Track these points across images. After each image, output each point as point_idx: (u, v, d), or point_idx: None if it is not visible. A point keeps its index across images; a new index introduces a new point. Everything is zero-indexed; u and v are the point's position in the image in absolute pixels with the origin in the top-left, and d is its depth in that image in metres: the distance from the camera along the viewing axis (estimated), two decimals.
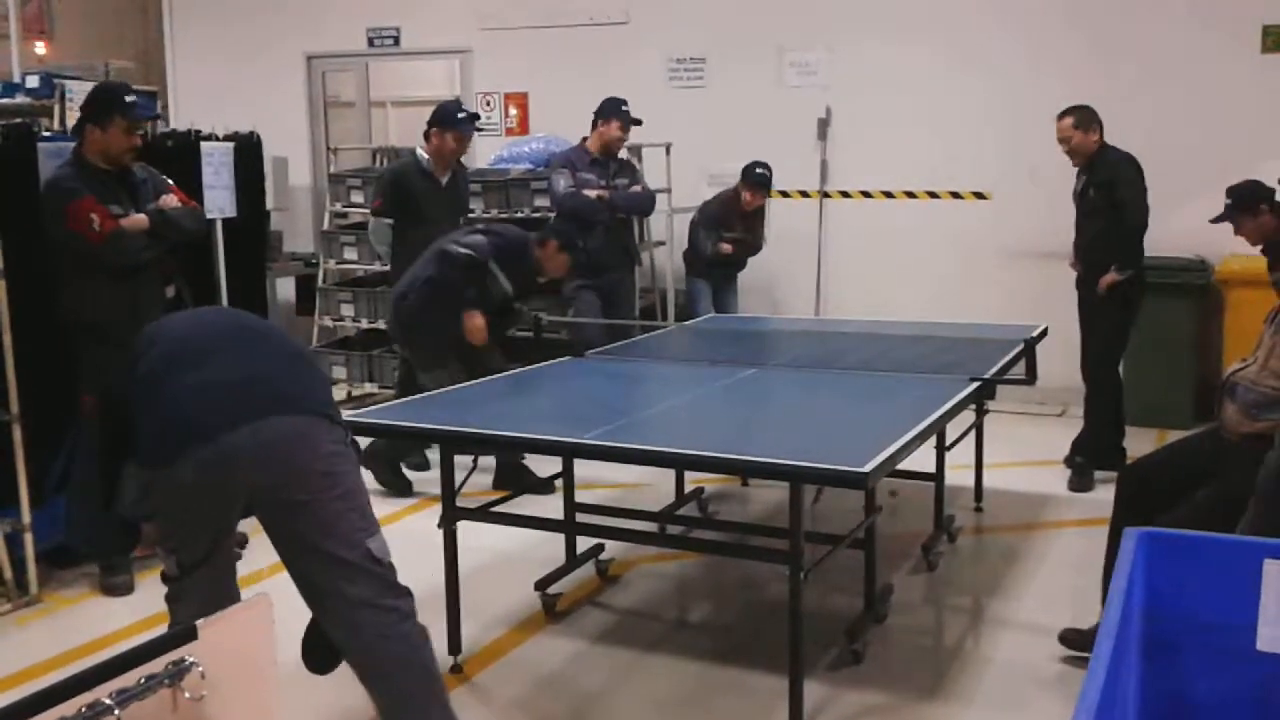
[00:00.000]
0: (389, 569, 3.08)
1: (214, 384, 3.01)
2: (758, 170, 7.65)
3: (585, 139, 7.17)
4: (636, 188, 7.28)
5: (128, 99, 4.93)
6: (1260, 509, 3.28)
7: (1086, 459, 6.41)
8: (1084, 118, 6.28)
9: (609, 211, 6.94)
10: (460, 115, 6.65)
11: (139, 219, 4.92)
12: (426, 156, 6.64)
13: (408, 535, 5.36)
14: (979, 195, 8.42)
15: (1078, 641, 4.11)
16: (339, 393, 7.49)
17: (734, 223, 7.68)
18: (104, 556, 4.83)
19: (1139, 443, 6.43)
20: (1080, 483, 6.31)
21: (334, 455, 3.05)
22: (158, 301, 5.07)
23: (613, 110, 7.06)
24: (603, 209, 6.95)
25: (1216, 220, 5.91)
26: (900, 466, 3.73)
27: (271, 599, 2.23)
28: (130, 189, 5.02)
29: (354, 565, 3.01)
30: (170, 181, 5.21)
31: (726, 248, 7.58)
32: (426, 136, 6.63)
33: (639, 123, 7.10)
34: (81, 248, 4.81)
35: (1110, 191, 6.21)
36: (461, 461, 4.20)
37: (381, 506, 5.82)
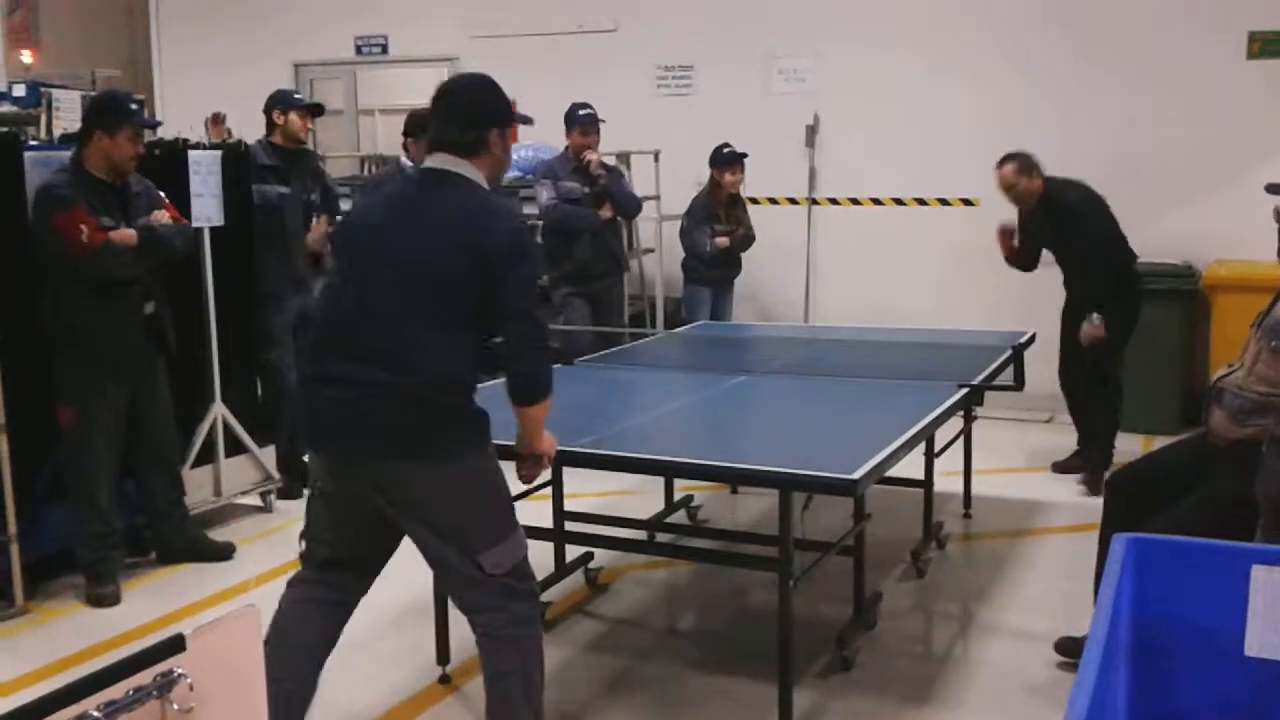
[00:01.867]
0: (504, 576, 3.17)
1: (316, 400, 3.24)
2: (725, 150, 7.65)
3: (567, 147, 7.17)
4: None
5: (133, 106, 4.95)
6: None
7: (1098, 463, 6.40)
8: (1024, 164, 6.31)
9: (596, 215, 6.95)
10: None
11: (128, 234, 4.91)
12: (410, 164, 6.63)
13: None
14: (967, 202, 8.44)
15: (1073, 649, 4.11)
16: None
17: (720, 213, 7.68)
18: None
19: (1127, 448, 6.46)
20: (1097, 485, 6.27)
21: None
22: (136, 317, 5.06)
23: (570, 120, 7.08)
24: (588, 218, 6.96)
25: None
26: (889, 473, 3.73)
27: (259, 610, 2.22)
28: (124, 201, 5.01)
29: (464, 574, 3.17)
30: (165, 197, 5.20)
31: (724, 240, 7.58)
32: (405, 147, 6.63)
33: (600, 120, 7.07)
34: (66, 257, 4.80)
35: (1071, 232, 6.24)
36: None
37: None
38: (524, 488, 3.60)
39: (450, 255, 3.04)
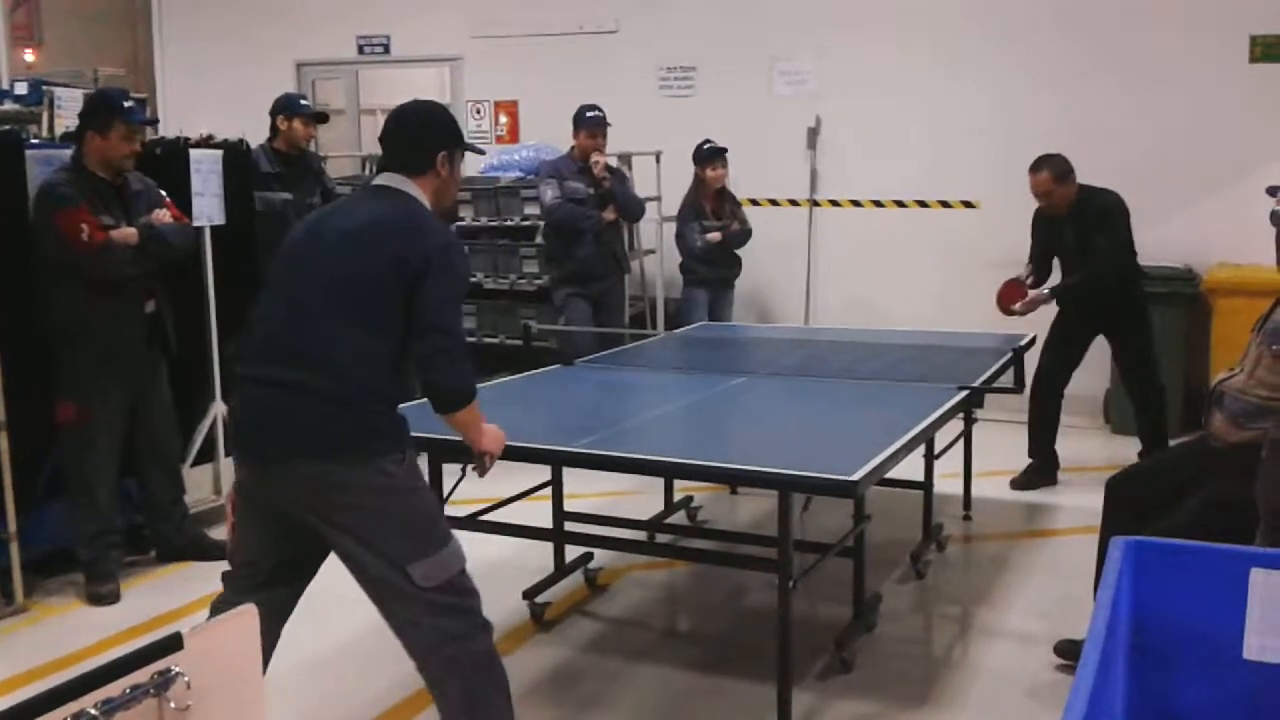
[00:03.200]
0: (436, 591, 3.11)
1: (243, 406, 3.27)
2: (705, 145, 7.65)
3: (573, 147, 7.18)
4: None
5: (127, 104, 4.95)
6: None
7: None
8: (1059, 170, 6.21)
9: (600, 216, 6.96)
10: None
11: (129, 232, 4.91)
12: None
13: None
14: (968, 204, 8.44)
15: (1073, 651, 4.10)
16: None
17: (708, 208, 7.68)
18: None
19: (1126, 451, 6.46)
20: None
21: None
22: (137, 315, 5.07)
23: (578, 121, 7.10)
24: (591, 219, 6.97)
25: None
26: (889, 475, 3.73)
27: (256, 609, 2.22)
28: (125, 200, 5.01)
29: (393, 588, 3.10)
30: (166, 196, 5.21)
31: (714, 235, 7.57)
32: None
33: (608, 123, 7.09)
34: (67, 255, 4.80)
35: (1098, 234, 6.21)
36: (450, 470, 4.19)
37: None
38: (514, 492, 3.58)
39: (376, 262, 3.07)
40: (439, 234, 3.18)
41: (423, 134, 3.27)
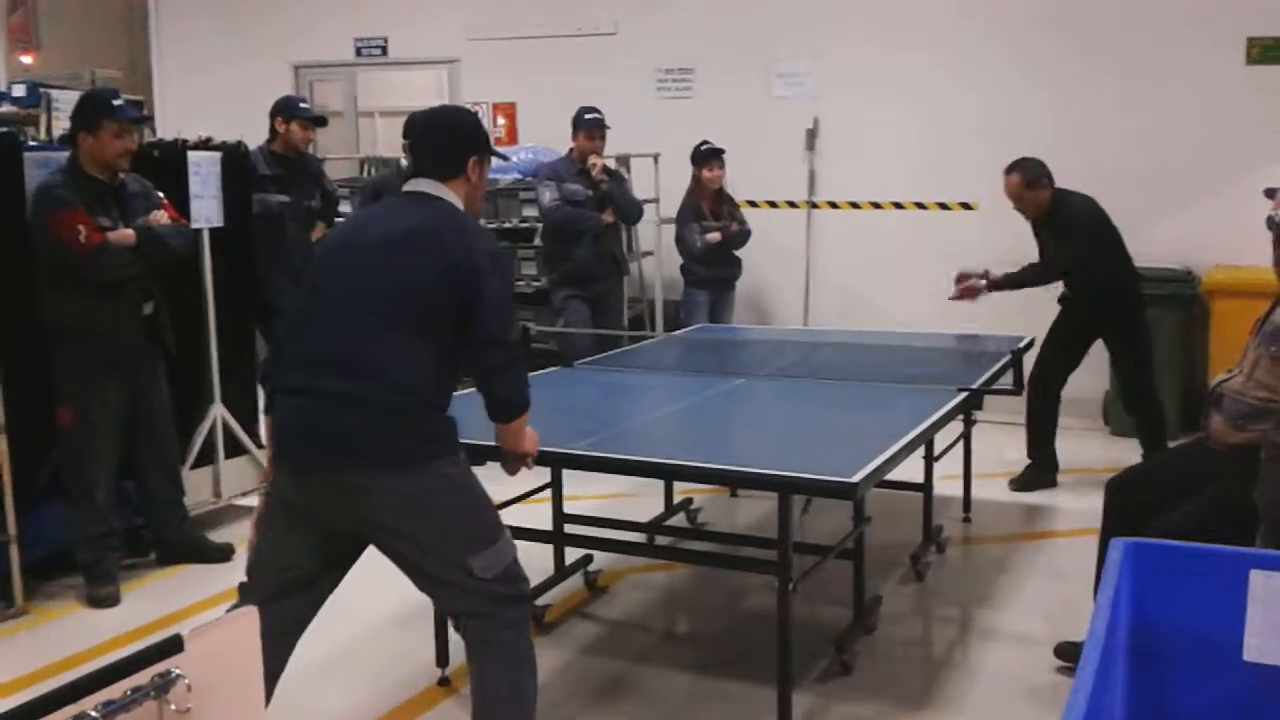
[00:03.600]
0: (495, 581, 3.17)
1: (286, 414, 3.20)
2: (702, 146, 7.68)
3: (571, 149, 7.18)
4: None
5: (115, 103, 4.93)
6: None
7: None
8: (1030, 174, 6.22)
9: (598, 218, 6.97)
10: None
11: (126, 234, 4.91)
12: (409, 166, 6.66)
13: None
14: (966, 206, 8.45)
15: (1073, 653, 4.10)
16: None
17: (706, 208, 7.69)
18: None
19: (1126, 453, 6.46)
20: None
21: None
22: (135, 317, 5.07)
23: (577, 124, 7.11)
24: (590, 221, 6.97)
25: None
26: (889, 477, 3.73)
27: (258, 612, 2.22)
28: (121, 201, 5.01)
29: (454, 582, 3.16)
30: (163, 197, 5.20)
31: (714, 236, 7.59)
32: (405, 149, 6.68)
33: (606, 126, 7.10)
34: (64, 257, 4.80)
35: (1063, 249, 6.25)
36: None
37: None
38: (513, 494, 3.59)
39: (426, 269, 3.07)
40: (486, 239, 3.22)
41: (454, 139, 3.28)
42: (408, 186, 3.29)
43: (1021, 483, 6.51)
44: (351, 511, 3.11)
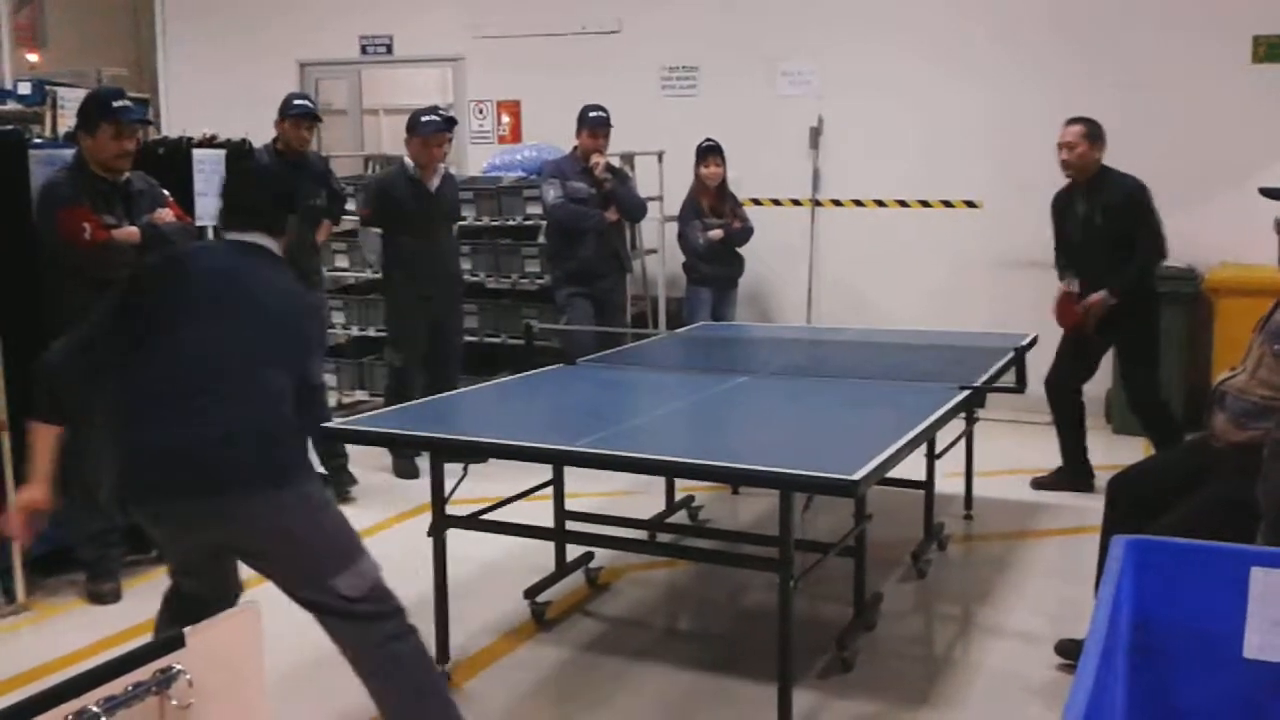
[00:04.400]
0: (363, 600, 3.18)
1: (151, 449, 3.17)
2: (702, 144, 7.71)
3: (575, 147, 7.18)
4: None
5: (115, 104, 4.92)
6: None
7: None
8: (1095, 130, 6.12)
9: (602, 216, 6.97)
10: (423, 119, 6.67)
11: (130, 231, 4.92)
12: (413, 164, 6.68)
13: (397, 543, 5.38)
14: (970, 204, 8.44)
15: (1074, 651, 4.10)
16: (330, 400, 7.48)
17: (707, 205, 7.70)
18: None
19: (1129, 451, 6.45)
20: None
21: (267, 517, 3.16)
22: None
23: (580, 122, 7.11)
24: (593, 218, 6.98)
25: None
26: (890, 474, 3.73)
27: (259, 608, 2.23)
28: (127, 199, 5.01)
29: (324, 605, 3.17)
30: (168, 195, 5.21)
31: (716, 233, 7.60)
32: (407, 144, 6.71)
33: (610, 124, 7.10)
34: (69, 255, 4.80)
35: (1121, 222, 6.08)
36: (451, 469, 4.20)
37: (372, 513, 5.85)
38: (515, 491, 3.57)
39: (277, 308, 3.32)
40: (313, 299, 3.56)
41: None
42: (236, 236, 3.43)
43: (1045, 482, 6.48)
44: (226, 539, 3.21)
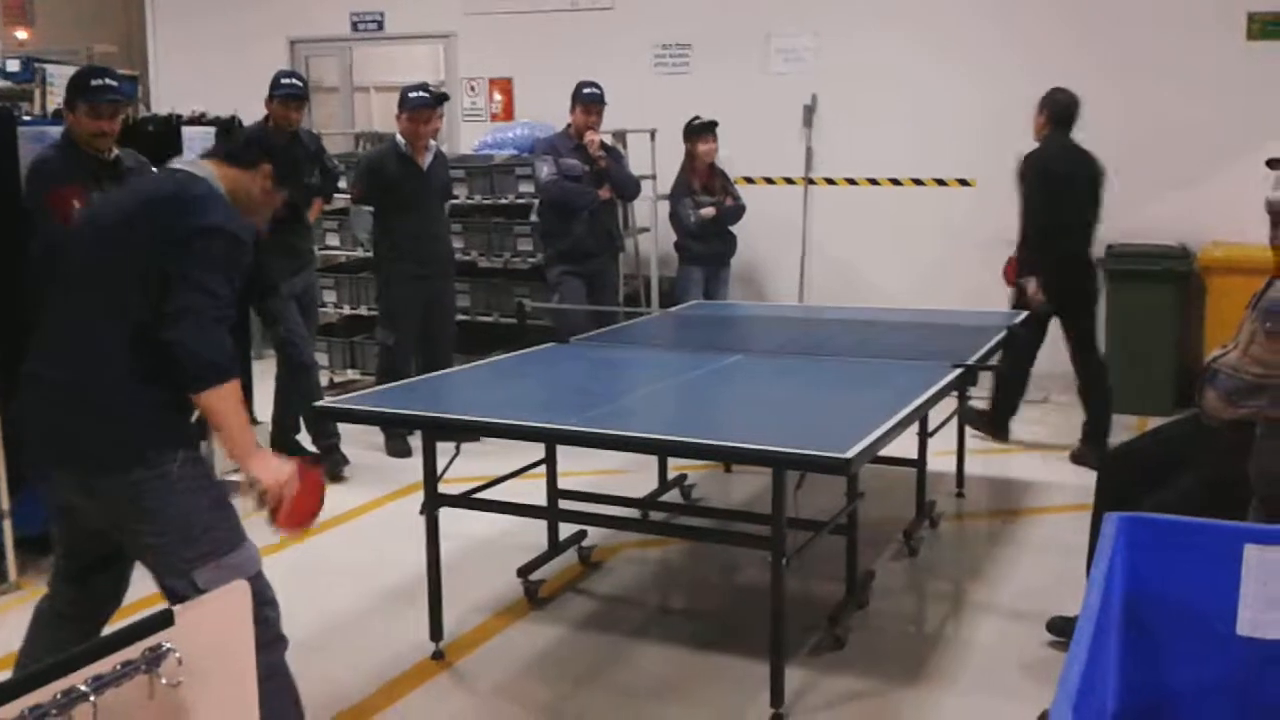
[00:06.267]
0: None
1: (29, 416, 3.01)
2: (695, 121, 7.69)
3: (569, 124, 7.15)
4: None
5: (93, 83, 4.85)
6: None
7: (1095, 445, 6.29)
8: (1046, 98, 6.33)
9: (596, 194, 6.95)
10: (411, 95, 6.63)
11: None
12: (404, 141, 6.65)
13: (390, 522, 5.38)
14: (963, 182, 8.44)
15: (1066, 628, 4.11)
16: (322, 379, 7.46)
17: (699, 183, 7.69)
18: None
19: (1120, 429, 6.46)
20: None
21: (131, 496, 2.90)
22: None
23: (574, 98, 7.07)
24: (587, 196, 6.95)
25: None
26: (883, 452, 3.73)
27: (249, 586, 2.22)
28: (117, 177, 4.98)
29: (182, 598, 2.79)
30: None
31: (709, 211, 7.59)
32: (397, 121, 6.69)
33: (604, 101, 7.07)
34: (57, 232, 4.77)
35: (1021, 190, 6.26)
36: (444, 448, 4.19)
37: (364, 492, 5.84)
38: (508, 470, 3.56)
39: (135, 232, 2.87)
40: (217, 205, 2.90)
41: (263, 146, 3.24)
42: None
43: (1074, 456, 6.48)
44: (90, 511, 2.98)
